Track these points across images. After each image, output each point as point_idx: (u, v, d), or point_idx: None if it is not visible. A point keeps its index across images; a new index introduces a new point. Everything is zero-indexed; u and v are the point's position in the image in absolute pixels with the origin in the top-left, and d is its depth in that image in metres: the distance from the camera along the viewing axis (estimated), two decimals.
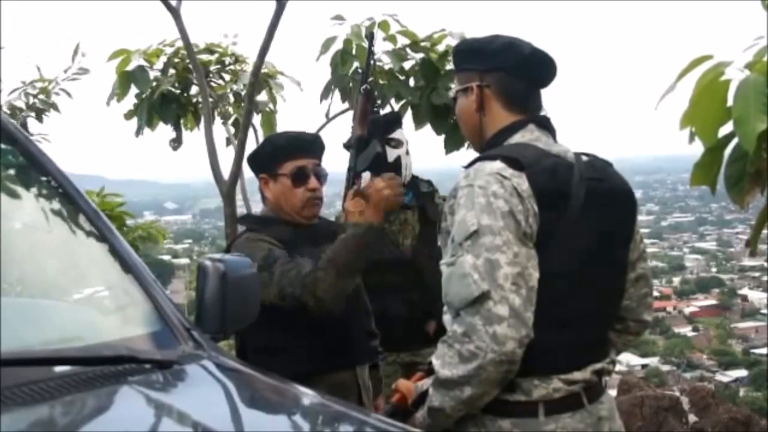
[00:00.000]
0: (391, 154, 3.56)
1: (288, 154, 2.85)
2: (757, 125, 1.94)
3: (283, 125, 5.61)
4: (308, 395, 1.84)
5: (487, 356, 1.90)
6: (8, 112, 6.01)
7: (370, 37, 3.54)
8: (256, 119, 5.55)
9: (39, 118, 6.29)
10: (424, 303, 3.49)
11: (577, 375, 2.05)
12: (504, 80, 2.19)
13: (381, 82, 4.58)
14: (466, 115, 2.26)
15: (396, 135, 3.56)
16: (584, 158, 2.18)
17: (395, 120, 3.67)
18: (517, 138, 2.16)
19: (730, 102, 2.04)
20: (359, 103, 3.20)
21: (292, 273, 2.62)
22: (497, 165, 2.03)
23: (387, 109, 4.59)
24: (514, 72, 2.19)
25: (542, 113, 2.25)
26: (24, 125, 6.08)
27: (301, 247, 2.76)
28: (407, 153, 3.57)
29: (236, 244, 2.82)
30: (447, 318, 2.04)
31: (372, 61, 3.65)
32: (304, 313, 2.62)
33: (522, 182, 2.00)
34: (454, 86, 2.34)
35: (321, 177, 2.89)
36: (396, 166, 3.55)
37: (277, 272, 2.62)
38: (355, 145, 3.02)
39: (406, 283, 3.54)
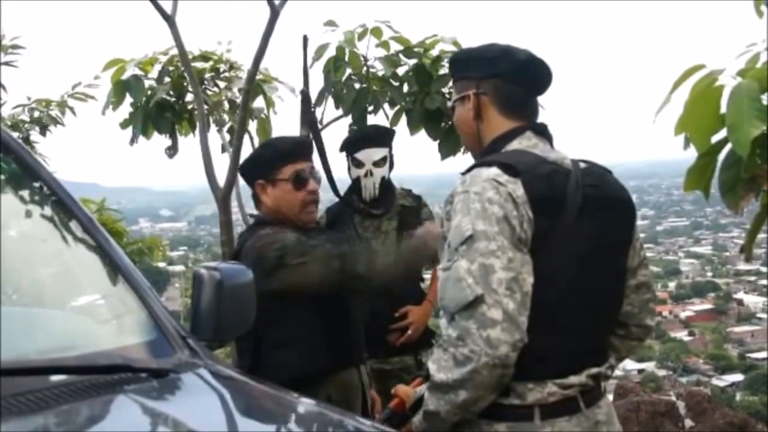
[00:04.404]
0: (353, 173, 3.75)
1: (285, 159, 2.87)
2: (750, 131, 1.95)
3: (277, 131, 5.61)
4: (304, 403, 1.84)
5: (481, 360, 1.91)
6: (9, 124, 6.04)
7: (305, 41, 3.62)
8: (252, 126, 5.55)
9: (43, 133, 6.34)
10: (390, 311, 3.56)
11: (572, 379, 2.06)
12: (500, 87, 2.21)
13: (374, 88, 4.58)
14: (464, 124, 2.27)
15: (360, 155, 3.69)
16: (582, 165, 2.18)
17: (363, 138, 3.79)
18: (515, 145, 2.17)
19: (723, 108, 2.05)
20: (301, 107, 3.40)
21: (344, 246, 2.80)
22: (493, 171, 2.04)
23: (380, 115, 4.62)
24: (510, 79, 2.20)
25: (538, 120, 2.26)
26: (27, 139, 6.12)
27: None
28: (369, 174, 3.69)
29: (258, 236, 2.81)
30: (443, 322, 2.05)
31: (307, 66, 3.77)
32: (330, 297, 2.79)
33: (517, 188, 2.01)
34: (453, 96, 2.35)
35: (317, 179, 2.92)
36: (356, 185, 3.74)
37: (326, 248, 2.74)
38: None
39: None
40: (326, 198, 3.92)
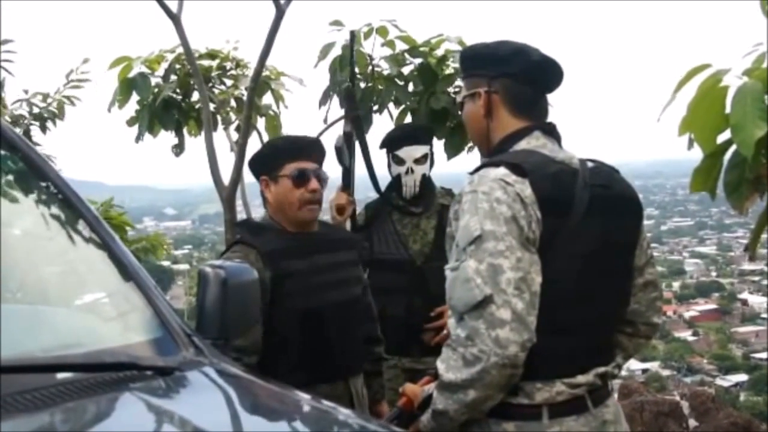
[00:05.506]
0: (394, 170, 3.73)
1: (289, 156, 2.87)
2: (755, 131, 1.95)
3: (288, 127, 5.64)
4: (309, 401, 1.84)
5: (490, 359, 1.91)
6: (10, 120, 6.01)
7: (352, 36, 3.59)
8: (261, 123, 5.56)
9: (43, 128, 6.31)
10: (426, 309, 3.53)
11: (580, 378, 2.06)
12: (512, 86, 2.21)
13: (380, 87, 4.58)
14: (474, 121, 2.27)
15: (401, 152, 3.68)
16: (590, 164, 2.19)
17: (404, 136, 3.76)
18: (523, 144, 2.17)
19: (728, 109, 2.05)
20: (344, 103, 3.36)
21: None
22: (501, 171, 2.04)
23: (385, 115, 4.62)
24: (522, 78, 2.21)
25: (547, 119, 2.26)
26: (27, 134, 6.09)
27: (292, 259, 2.78)
28: (410, 171, 3.67)
29: (225, 257, 2.79)
30: (452, 322, 2.05)
31: (353, 64, 3.75)
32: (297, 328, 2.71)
33: (525, 188, 2.01)
34: (462, 92, 2.34)
35: (322, 180, 2.91)
36: (396, 183, 3.72)
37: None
38: (344, 141, 3.26)
39: (410, 287, 3.58)
40: (365, 198, 3.94)
